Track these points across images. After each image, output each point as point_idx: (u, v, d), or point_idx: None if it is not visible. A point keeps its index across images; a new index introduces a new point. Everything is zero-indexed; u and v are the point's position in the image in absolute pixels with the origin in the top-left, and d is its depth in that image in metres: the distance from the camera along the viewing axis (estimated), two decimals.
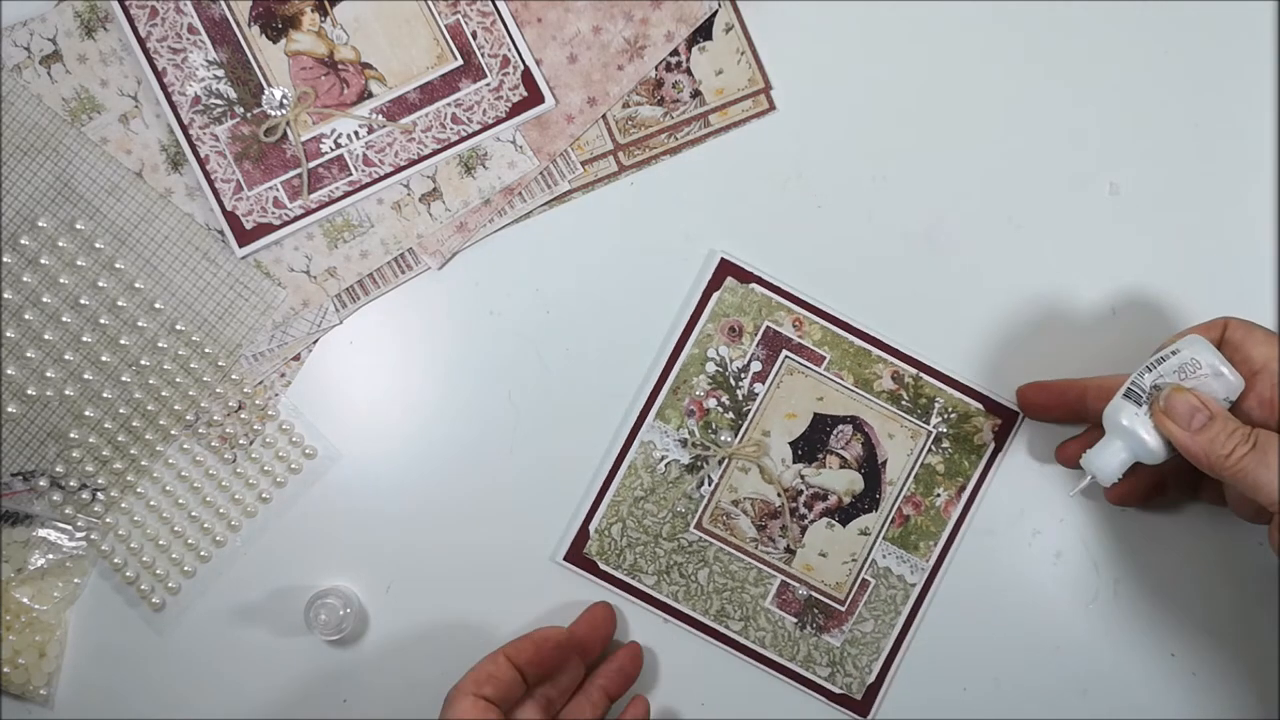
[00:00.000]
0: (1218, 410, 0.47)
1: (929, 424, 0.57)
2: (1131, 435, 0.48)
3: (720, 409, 0.57)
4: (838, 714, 0.57)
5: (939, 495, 0.57)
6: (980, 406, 0.57)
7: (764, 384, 0.57)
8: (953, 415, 0.57)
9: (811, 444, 0.57)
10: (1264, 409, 0.48)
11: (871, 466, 0.57)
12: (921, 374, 0.57)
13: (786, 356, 0.57)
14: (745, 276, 0.57)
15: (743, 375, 0.57)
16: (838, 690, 0.56)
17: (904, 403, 0.57)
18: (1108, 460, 0.49)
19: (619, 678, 0.55)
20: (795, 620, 0.57)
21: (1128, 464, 0.49)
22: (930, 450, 0.57)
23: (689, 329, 0.57)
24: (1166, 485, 0.54)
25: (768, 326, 0.57)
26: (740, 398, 0.57)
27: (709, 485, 0.57)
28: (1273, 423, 0.48)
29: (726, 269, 0.57)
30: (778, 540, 0.57)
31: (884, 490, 0.57)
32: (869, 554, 0.57)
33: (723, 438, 0.57)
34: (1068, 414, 0.55)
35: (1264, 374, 0.48)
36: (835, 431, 0.57)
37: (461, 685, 0.50)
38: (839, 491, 0.57)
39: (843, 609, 0.57)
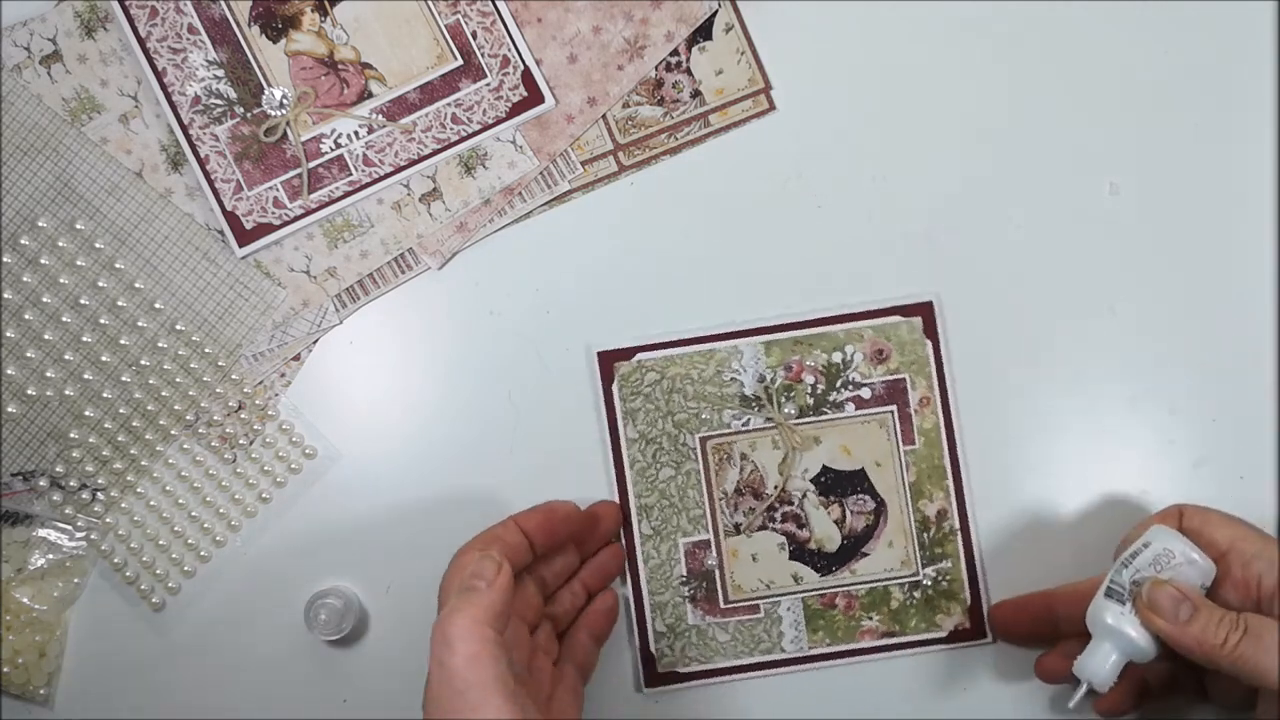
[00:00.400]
0: (1200, 601, 0.46)
1: (922, 570, 0.56)
2: (1119, 635, 0.47)
3: (808, 390, 0.56)
4: (630, 661, 0.57)
5: (871, 619, 0.56)
6: (968, 598, 0.56)
7: (854, 410, 0.57)
8: (944, 583, 0.56)
9: (835, 483, 0.57)
10: (1239, 591, 0.47)
11: (854, 546, 0.56)
12: (959, 530, 0.56)
13: (891, 413, 0.57)
14: (931, 332, 0.56)
15: (848, 388, 0.56)
16: (653, 649, 0.56)
17: (924, 536, 0.56)
18: (1099, 663, 0.48)
19: (600, 574, 0.55)
20: (685, 575, 0.56)
21: (1120, 665, 0.48)
22: (901, 586, 0.56)
23: (860, 316, 0.57)
24: (1149, 687, 0.52)
25: (901, 379, 0.56)
26: (830, 400, 0.56)
27: (740, 425, 0.57)
28: (1250, 604, 0.47)
29: (924, 313, 0.57)
30: (738, 514, 0.56)
31: (843, 571, 0.56)
32: (781, 596, 0.56)
33: (787, 409, 0.56)
34: (1038, 627, 0.54)
35: (1232, 555, 0.47)
36: (859, 496, 0.57)
37: (468, 544, 0.49)
38: (814, 533, 0.57)
39: (723, 606, 0.56)
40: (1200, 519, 0.49)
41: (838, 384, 0.57)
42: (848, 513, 0.57)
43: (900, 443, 0.57)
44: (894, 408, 0.57)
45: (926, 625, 0.56)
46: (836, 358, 0.57)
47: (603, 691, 0.56)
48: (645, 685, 0.56)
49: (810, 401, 0.57)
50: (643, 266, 0.58)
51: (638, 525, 0.57)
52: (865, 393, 0.57)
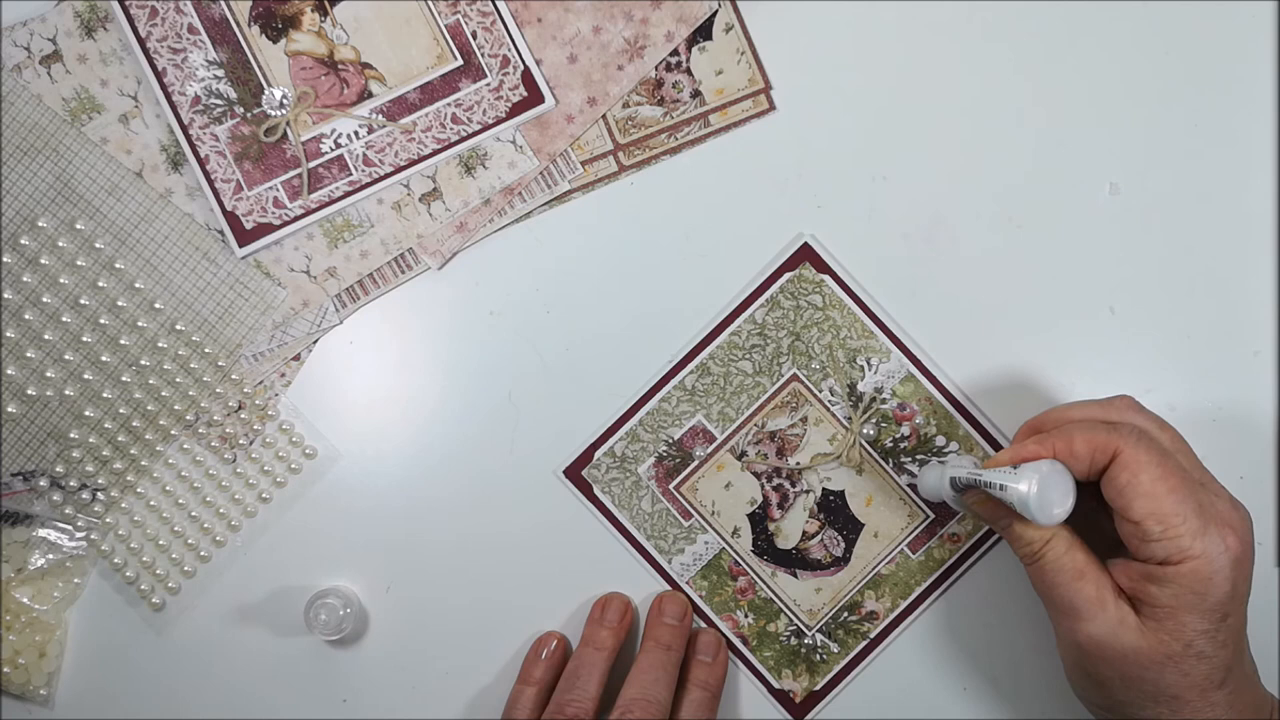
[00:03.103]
0: (1011, 523, 0.49)
1: (814, 633, 0.57)
2: (937, 495, 0.53)
3: (898, 436, 0.56)
4: (573, 448, 0.58)
5: (746, 618, 0.57)
6: (819, 684, 0.57)
7: (905, 484, 0.57)
8: (819, 655, 0.57)
9: (834, 511, 0.57)
10: (1133, 549, 0.47)
11: (795, 561, 0.57)
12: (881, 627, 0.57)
13: (926, 520, 0.57)
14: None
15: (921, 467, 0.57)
16: (597, 454, 0.57)
17: (844, 614, 0.57)
18: (926, 483, 0.54)
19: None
20: (673, 440, 0.57)
21: (930, 493, 0.54)
22: (790, 624, 0.57)
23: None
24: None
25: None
26: (904, 460, 0.57)
27: (828, 399, 0.56)
28: (1134, 576, 0.47)
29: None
30: (751, 447, 0.57)
31: (769, 567, 0.57)
32: (713, 532, 0.57)
33: (867, 429, 0.56)
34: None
35: (1139, 529, 0.46)
36: (838, 538, 0.57)
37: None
38: (782, 522, 0.57)
39: (670, 488, 0.57)
40: (1128, 479, 0.46)
41: (920, 455, 0.57)
42: (820, 538, 0.57)
43: (907, 544, 0.57)
44: (933, 518, 0.57)
45: (770, 671, 0.57)
46: (940, 441, 0.57)
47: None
48: (564, 471, 0.57)
49: (889, 444, 0.57)
50: (640, 265, 0.58)
51: (688, 374, 0.57)
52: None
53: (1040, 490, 0.46)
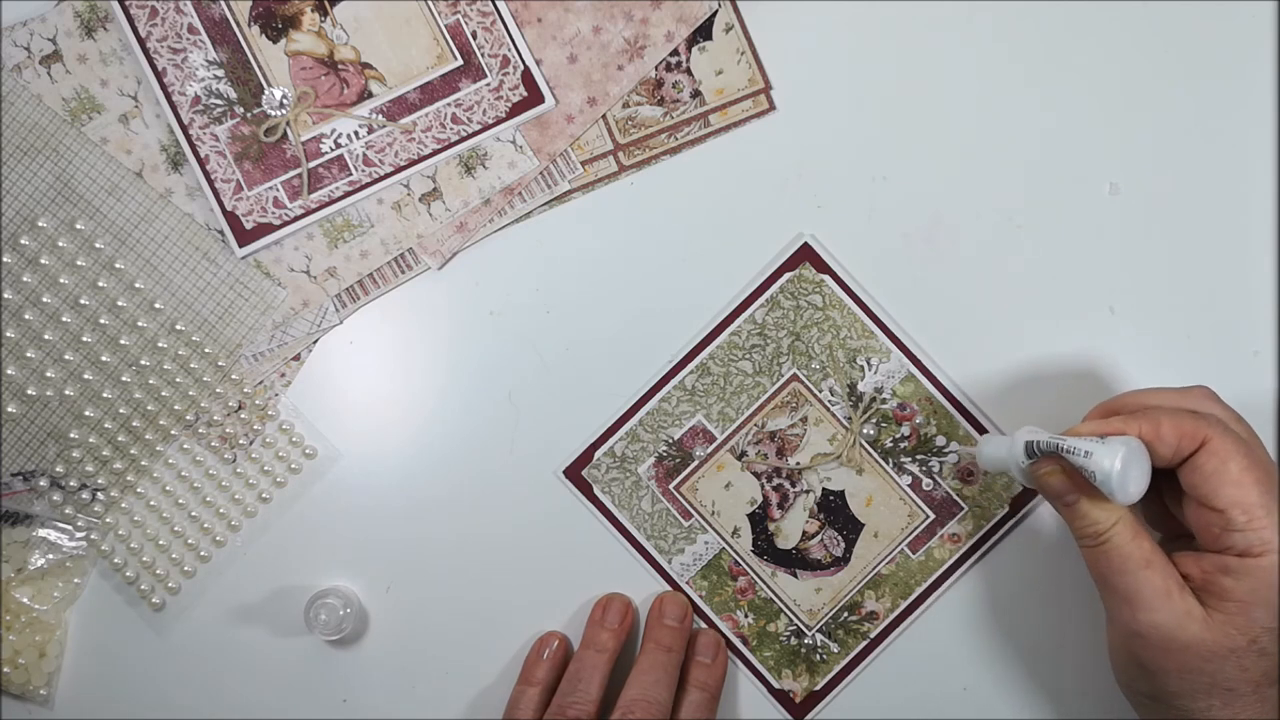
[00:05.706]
0: (1082, 494, 0.48)
1: (814, 633, 0.57)
2: (1003, 462, 0.51)
3: (898, 436, 0.56)
4: (576, 447, 0.58)
5: (746, 618, 0.57)
6: (821, 684, 0.57)
7: (907, 485, 0.57)
8: (819, 655, 0.57)
9: (834, 511, 0.57)
10: (1205, 542, 0.46)
11: (794, 561, 0.57)
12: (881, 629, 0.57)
13: (925, 521, 0.57)
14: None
15: (922, 469, 0.57)
16: (597, 454, 0.57)
17: (844, 614, 0.57)
18: (989, 455, 0.52)
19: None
20: (673, 440, 0.57)
21: (993, 463, 0.52)
22: (790, 624, 0.57)
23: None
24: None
25: (961, 508, 0.57)
26: (904, 460, 0.56)
27: (828, 399, 0.56)
28: (1204, 568, 0.47)
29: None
30: (752, 447, 0.57)
31: (769, 567, 0.57)
32: (713, 532, 0.57)
33: (868, 429, 0.56)
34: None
35: (1224, 516, 0.45)
36: (838, 538, 0.57)
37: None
38: (782, 522, 0.57)
39: (670, 488, 0.57)
40: (1216, 467, 0.46)
41: (920, 455, 0.57)
42: (820, 538, 0.57)
43: (907, 544, 0.57)
44: (933, 518, 0.57)
45: (770, 671, 0.57)
46: (940, 441, 0.56)
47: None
48: (564, 471, 0.57)
49: (889, 444, 0.57)
50: (640, 265, 0.58)
51: (688, 374, 0.57)
52: (928, 484, 0.57)
53: (1124, 465, 0.45)
